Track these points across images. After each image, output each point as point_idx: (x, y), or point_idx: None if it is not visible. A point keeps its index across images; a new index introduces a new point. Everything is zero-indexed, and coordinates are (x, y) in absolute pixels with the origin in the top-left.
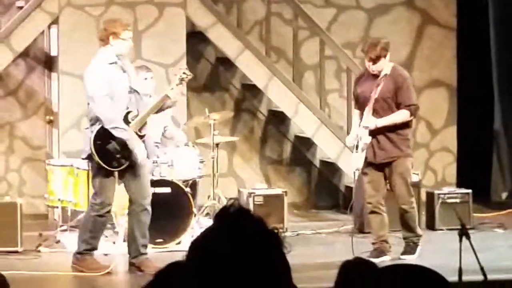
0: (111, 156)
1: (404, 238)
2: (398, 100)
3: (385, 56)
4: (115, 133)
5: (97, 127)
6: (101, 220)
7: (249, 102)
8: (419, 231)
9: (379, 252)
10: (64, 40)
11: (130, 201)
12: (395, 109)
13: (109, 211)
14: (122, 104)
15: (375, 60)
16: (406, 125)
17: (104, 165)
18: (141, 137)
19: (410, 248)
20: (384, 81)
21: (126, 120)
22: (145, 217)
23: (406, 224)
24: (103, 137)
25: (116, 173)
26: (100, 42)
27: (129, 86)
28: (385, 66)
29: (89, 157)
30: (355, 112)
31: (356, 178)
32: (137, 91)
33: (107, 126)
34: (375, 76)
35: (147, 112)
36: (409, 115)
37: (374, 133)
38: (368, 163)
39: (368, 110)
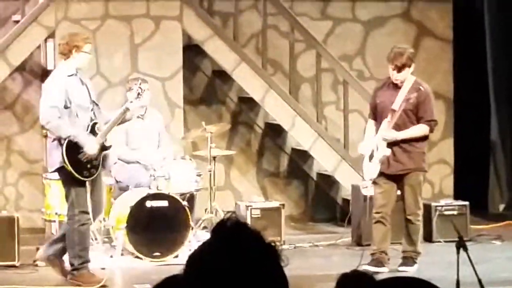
0: (82, 167)
1: (403, 251)
2: (420, 114)
3: (410, 66)
4: (58, 134)
5: (64, 140)
6: (85, 229)
7: (245, 115)
8: (419, 248)
9: (378, 263)
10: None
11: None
12: (415, 122)
13: (89, 219)
14: (85, 115)
15: (400, 69)
16: (423, 138)
17: (77, 175)
18: (107, 148)
19: (407, 261)
20: (405, 94)
21: (93, 131)
22: (87, 229)
23: (408, 237)
24: (73, 148)
25: (88, 184)
26: (60, 56)
27: (89, 99)
28: (408, 76)
29: (59, 169)
30: (370, 122)
31: (354, 190)
32: (96, 104)
33: (47, 126)
34: (396, 86)
35: (110, 124)
36: (428, 130)
37: (390, 144)
38: (380, 173)
39: (388, 122)
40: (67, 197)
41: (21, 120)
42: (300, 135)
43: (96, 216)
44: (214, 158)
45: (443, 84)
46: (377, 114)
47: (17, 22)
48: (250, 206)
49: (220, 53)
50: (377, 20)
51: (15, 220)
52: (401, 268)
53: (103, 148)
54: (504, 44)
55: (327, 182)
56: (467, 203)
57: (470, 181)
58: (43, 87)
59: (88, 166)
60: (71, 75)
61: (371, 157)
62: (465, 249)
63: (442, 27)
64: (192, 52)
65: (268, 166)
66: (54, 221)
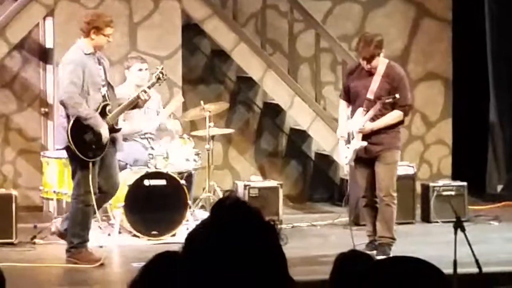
0: (87, 147)
1: (379, 237)
2: (394, 100)
3: (379, 54)
4: (75, 111)
5: (72, 118)
6: (89, 210)
7: (244, 94)
8: (395, 234)
9: (377, 246)
10: (59, 32)
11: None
12: (390, 108)
13: (89, 205)
14: (97, 94)
15: (369, 59)
16: (398, 122)
17: (81, 155)
18: (116, 130)
19: (383, 248)
20: (379, 80)
21: (103, 112)
22: (91, 210)
23: (384, 220)
24: (79, 127)
25: (93, 165)
26: (80, 32)
27: (104, 79)
28: (380, 63)
29: (67, 148)
30: (342, 104)
31: (350, 170)
32: (111, 86)
33: (68, 101)
34: (369, 72)
35: (123, 106)
36: (403, 116)
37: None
38: (359, 158)
39: (363, 111)
40: (73, 176)
41: (20, 98)
42: (298, 115)
43: (108, 198)
44: (213, 137)
45: (442, 64)
46: (350, 97)
47: (16, 0)
48: (248, 185)
49: (219, 32)
50: (376, 0)
51: (13, 198)
52: (378, 257)
53: (112, 130)
54: (503, 24)
55: (325, 161)
56: (465, 183)
57: (468, 162)
58: (61, 62)
59: (93, 147)
60: (89, 53)
61: (347, 141)
62: (463, 230)
63: (441, 7)
64: (191, 31)
65: (267, 145)
66: (52, 199)
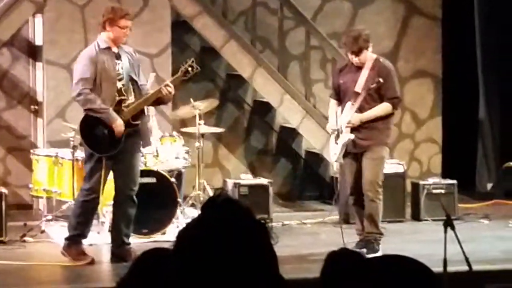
0: (99, 142)
1: (367, 233)
2: (382, 93)
3: (367, 48)
4: (87, 107)
5: (84, 112)
6: (89, 206)
7: (234, 92)
8: (382, 229)
9: (365, 243)
10: (48, 30)
11: (116, 190)
12: (379, 100)
13: (95, 199)
14: (111, 89)
15: (357, 53)
16: (387, 116)
17: (92, 150)
18: (133, 125)
19: (371, 245)
20: (367, 74)
21: (118, 107)
22: (131, 207)
23: (369, 216)
24: (91, 122)
25: (105, 160)
26: (99, 28)
27: (122, 73)
28: (368, 57)
29: (81, 142)
30: (332, 102)
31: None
32: (135, 81)
33: (77, 98)
34: (358, 67)
35: (141, 101)
36: (392, 109)
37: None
38: (348, 153)
39: (352, 105)
40: (85, 170)
41: (9, 95)
42: (288, 113)
43: (129, 195)
44: (203, 135)
45: (431, 62)
46: (340, 94)
47: None
48: (238, 183)
49: (208, 30)
50: None
51: (2, 196)
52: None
53: (129, 125)
54: (493, 22)
55: (315, 159)
56: (455, 181)
57: (458, 160)
58: (76, 60)
59: (106, 142)
60: (105, 48)
61: (337, 137)
62: (453, 228)
63: (430, 5)
64: (181, 28)
65: (257, 143)
66: (42, 197)
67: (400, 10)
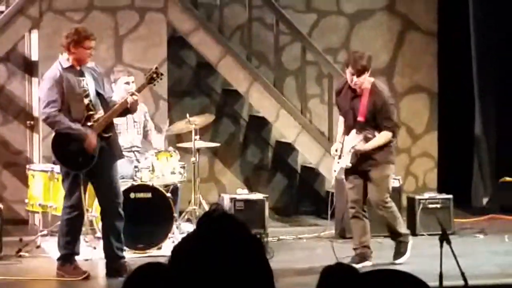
0: (73, 159)
1: (394, 240)
2: (378, 122)
3: (368, 70)
4: (57, 129)
5: (54, 131)
6: (73, 223)
7: (230, 107)
8: (403, 230)
9: (361, 258)
10: (44, 45)
11: (101, 205)
12: (378, 124)
13: (79, 216)
14: (79, 105)
15: (360, 73)
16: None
17: (67, 168)
18: (105, 138)
19: (398, 248)
20: (367, 101)
21: (87, 122)
22: (118, 220)
23: (389, 226)
24: (63, 140)
25: (84, 176)
26: (62, 48)
27: (88, 89)
28: (366, 80)
29: (56, 161)
30: (341, 119)
31: (336, 183)
32: (102, 95)
33: (46, 121)
34: (354, 91)
35: (110, 113)
36: (392, 136)
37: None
38: (350, 169)
39: (357, 134)
40: (63, 187)
41: (5, 110)
42: (284, 128)
43: (114, 207)
44: (198, 150)
45: (427, 77)
46: (341, 113)
47: (1, 12)
48: (234, 198)
49: (204, 45)
50: (361, 13)
51: None
52: (394, 260)
53: (101, 138)
54: (488, 37)
55: (311, 174)
56: (450, 196)
57: (453, 175)
58: (40, 83)
59: (80, 158)
60: (67, 67)
61: (339, 156)
62: (448, 243)
63: (427, 20)
64: (177, 44)
65: (252, 158)
66: (38, 212)
67: (396, 25)
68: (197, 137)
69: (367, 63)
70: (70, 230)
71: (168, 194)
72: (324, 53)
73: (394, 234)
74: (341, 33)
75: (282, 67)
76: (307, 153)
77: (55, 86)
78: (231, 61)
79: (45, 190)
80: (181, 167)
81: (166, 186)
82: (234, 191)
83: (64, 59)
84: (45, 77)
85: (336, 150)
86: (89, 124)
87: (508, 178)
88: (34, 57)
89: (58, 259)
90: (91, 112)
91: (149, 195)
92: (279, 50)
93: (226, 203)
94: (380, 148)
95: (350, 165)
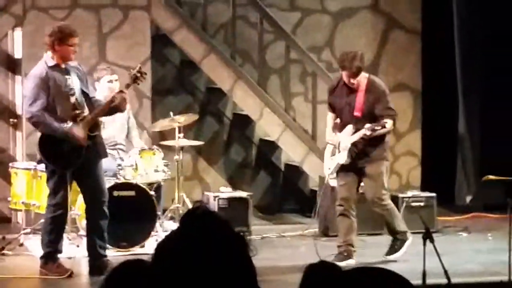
0: (60, 158)
1: (392, 237)
2: (377, 113)
3: (363, 69)
4: (42, 129)
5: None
6: (57, 222)
7: (214, 105)
8: (402, 227)
9: (345, 256)
10: (28, 43)
11: (86, 203)
12: (373, 120)
13: (63, 214)
14: (66, 104)
15: (356, 74)
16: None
17: (54, 167)
18: (91, 137)
19: (393, 244)
20: (363, 96)
21: (74, 121)
22: (103, 219)
23: (386, 224)
24: (50, 139)
25: (69, 175)
26: (46, 46)
27: (74, 88)
28: (362, 78)
29: (42, 160)
30: (329, 115)
31: (321, 181)
32: (87, 94)
33: (31, 121)
34: (350, 89)
35: (95, 113)
36: (392, 124)
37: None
38: (343, 166)
39: (351, 128)
40: (48, 187)
41: None
42: (268, 126)
43: (97, 207)
44: (182, 148)
45: (411, 76)
46: (335, 111)
47: None
48: (218, 196)
49: (188, 43)
50: (345, 11)
51: None
52: (385, 256)
53: (87, 137)
54: (472, 36)
55: (295, 173)
56: (434, 194)
57: (437, 173)
58: (26, 77)
59: (67, 157)
60: (53, 65)
61: (332, 152)
62: (432, 241)
63: (411, 19)
64: (161, 42)
65: (236, 156)
66: (21, 210)
67: (380, 24)
68: (181, 135)
69: (361, 63)
70: (54, 229)
71: (152, 192)
72: (308, 52)
73: (391, 231)
74: (325, 31)
75: (266, 65)
76: (291, 151)
77: (40, 84)
78: (215, 59)
79: (28, 188)
80: (164, 165)
81: (149, 184)
82: (217, 189)
83: (49, 58)
84: (30, 75)
85: (330, 141)
86: (76, 123)
87: (491, 177)
88: (18, 55)
89: (42, 257)
90: (77, 111)
91: (132, 193)
92: (263, 49)
93: (210, 201)
94: (375, 144)
95: (349, 160)
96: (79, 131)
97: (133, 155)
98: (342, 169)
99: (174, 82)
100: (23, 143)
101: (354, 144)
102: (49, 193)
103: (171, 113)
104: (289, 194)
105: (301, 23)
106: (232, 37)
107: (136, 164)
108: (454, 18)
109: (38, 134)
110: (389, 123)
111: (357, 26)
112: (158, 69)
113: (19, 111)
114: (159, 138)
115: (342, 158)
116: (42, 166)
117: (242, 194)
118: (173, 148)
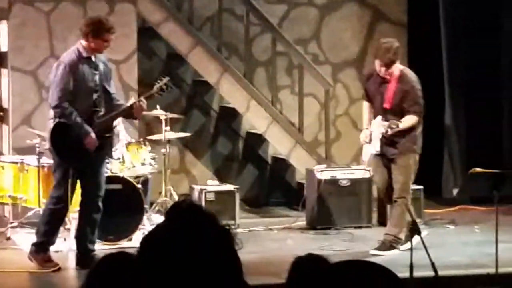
0: (68, 152)
1: (385, 234)
2: (404, 106)
3: (396, 61)
4: (64, 119)
5: (55, 121)
6: (56, 215)
7: (200, 98)
8: (401, 235)
9: (389, 246)
10: (14, 36)
11: (83, 196)
12: (402, 113)
13: (63, 208)
14: (87, 100)
15: (388, 66)
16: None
17: (61, 160)
18: (105, 138)
19: (383, 244)
20: (394, 87)
21: (91, 119)
22: (96, 213)
23: (392, 218)
24: (62, 131)
25: (71, 172)
26: (80, 34)
27: (98, 85)
28: (395, 69)
29: (50, 149)
30: (365, 105)
31: (308, 174)
32: (108, 90)
33: (55, 109)
34: (383, 79)
35: (113, 115)
36: (416, 120)
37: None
38: (379, 155)
39: (381, 119)
40: (54, 178)
41: None
42: (255, 119)
43: (94, 199)
44: (169, 141)
45: None
46: (369, 98)
47: None
48: (205, 189)
49: (175, 36)
50: (332, 4)
51: None
52: (372, 251)
53: (99, 137)
54: (458, 29)
55: (282, 166)
56: (421, 187)
57: (424, 166)
58: (57, 61)
59: (76, 152)
60: (84, 57)
61: (369, 140)
62: (419, 233)
63: (397, 11)
64: (147, 35)
65: (223, 149)
66: (7, 204)
67: (366, 16)
68: (168, 128)
69: (394, 56)
70: (52, 221)
71: (139, 186)
72: (295, 44)
73: (390, 229)
74: (311, 24)
75: (253, 58)
76: (278, 144)
77: (70, 74)
78: (201, 52)
79: (15, 182)
80: (151, 158)
81: (136, 177)
82: (204, 182)
83: (83, 47)
84: (63, 61)
85: (366, 137)
86: (92, 121)
87: (478, 169)
88: (3, 48)
89: (33, 245)
90: (96, 109)
91: (119, 186)
92: (249, 41)
93: (197, 194)
94: (405, 137)
95: (379, 150)
96: (94, 140)
97: (119, 149)
98: (379, 160)
99: (160, 75)
100: (9, 137)
101: (383, 136)
102: (54, 185)
103: (158, 106)
104: (276, 187)
105: (287, 16)
106: (218, 30)
107: (123, 158)
108: (440, 10)
109: (51, 121)
110: (411, 119)
111: (344, 18)
112: (145, 62)
113: (5, 105)
114: (146, 131)
115: (374, 147)
116: (29, 160)
117: (229, 187)
118: (160, 141)
